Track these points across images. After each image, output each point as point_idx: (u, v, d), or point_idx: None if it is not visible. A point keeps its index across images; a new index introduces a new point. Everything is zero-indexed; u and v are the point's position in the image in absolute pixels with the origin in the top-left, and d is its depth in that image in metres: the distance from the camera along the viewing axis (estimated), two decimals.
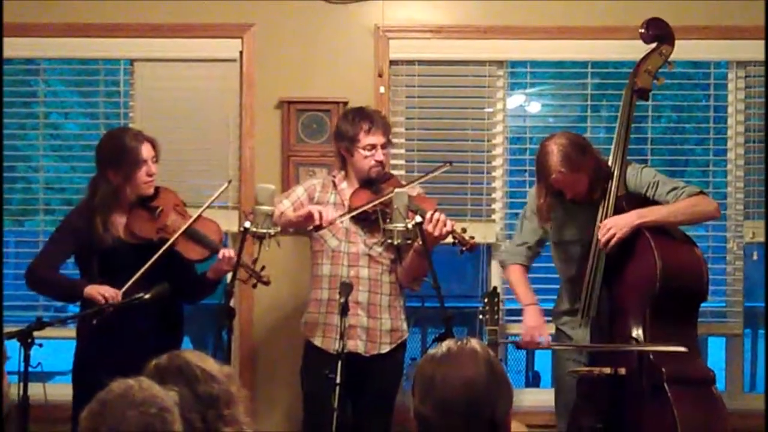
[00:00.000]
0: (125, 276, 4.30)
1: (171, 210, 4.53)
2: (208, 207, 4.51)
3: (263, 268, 4.42)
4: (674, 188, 4.42)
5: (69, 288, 4.43)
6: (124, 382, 2.30)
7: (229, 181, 4.63)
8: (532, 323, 4.66)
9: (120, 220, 4.48)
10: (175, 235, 4.39)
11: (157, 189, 4.55)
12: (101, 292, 4.26)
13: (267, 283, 4.54)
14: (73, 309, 5.19)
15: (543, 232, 4.75)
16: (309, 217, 4.50)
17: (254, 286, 4.54)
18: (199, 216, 4.48)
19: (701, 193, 4.44)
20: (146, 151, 4.45)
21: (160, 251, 4.35)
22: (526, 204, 4.83)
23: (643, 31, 4.57)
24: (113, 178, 4.43)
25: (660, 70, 4.58)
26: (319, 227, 4.52)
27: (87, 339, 4.45)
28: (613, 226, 4.33)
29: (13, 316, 4.98)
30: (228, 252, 4.49)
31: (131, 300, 4.22)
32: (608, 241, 4.32)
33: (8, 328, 4.11)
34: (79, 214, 4.49)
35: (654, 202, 4.44)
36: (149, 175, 4.47)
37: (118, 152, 4.42)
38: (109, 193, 4.43)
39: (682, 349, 4.16)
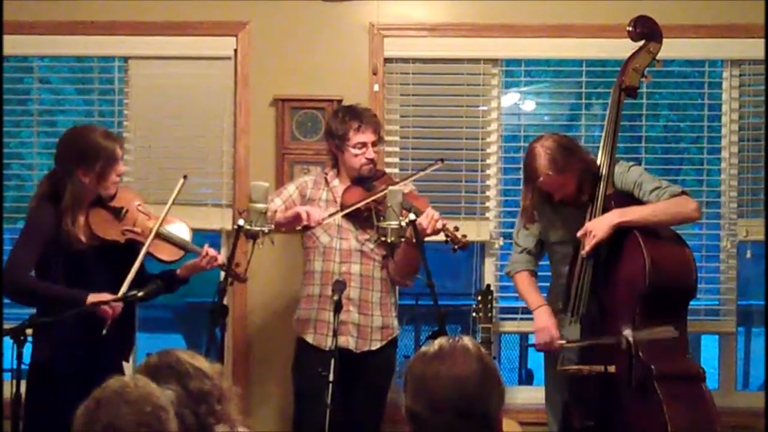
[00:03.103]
0: (90, 279, 4.23)
1: (135, 210, 4.40)
2: (172, 205, 4.37)
3: (237, 265, 4.41)
4: (657, 188, 4.41)
5: (66, 298, 4.18)
6: (120, 379, 2.30)
7: (185, 177, 4.42)
8: (542, 324, 4.62)
9: (80, 221, 4.29)
10: (152, 235, 4.29)
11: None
12: (107, 302, 4.15)
13: (244, 280, 4.53)
14: None
15: (538, 234, 4.74)
16: (296, 217, 4.51)
17: (231, 283, 4.48)
18: (166, 215, 4.36)
19: (683, 193, 4.43)
20: (119, 150, 4.33)
21: (143, 251, 4.27)
22: (520, 211, 4.81)
23: (630, 29, 4.56)
24: (83, 178, 4.26)
25: (648, 68, 4.57)
26: (307, 227, 4.53)
27: (44, 341, 4.22)
28: (593, 229, 4.33)
29: (5, 314, 4.96)
30: (212, 251, 4.44)
31: (125, 298, 4.20)
32: (589, 243, 4.32)
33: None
34: (44, 215, 4.28)
35: (642, 202, 4.44)
36: (118, 175, 4.35)
37: (91, 151, 4.26)
38: (80, 193, 4.26)
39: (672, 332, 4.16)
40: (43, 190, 4.35)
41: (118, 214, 4.37)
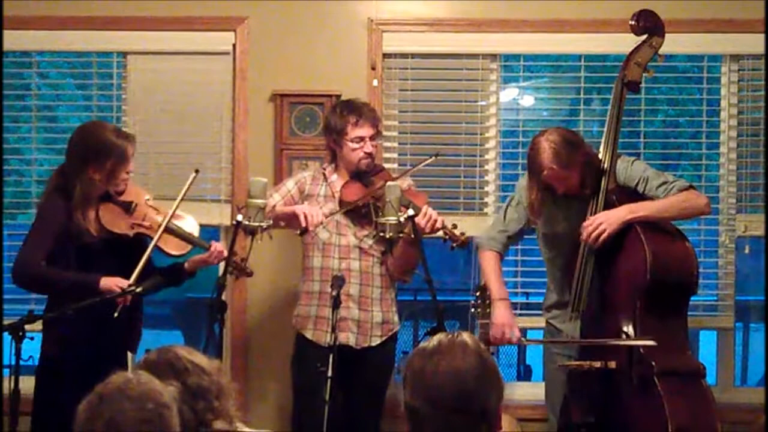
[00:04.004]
0: (100, 272, 4.27)
1: (144, 204, 4.47)
2: (182, 199, 4.44)
3: (243, 260, 4.45)
4: (664, 183, 4.41)
5: (78, 282, 4.27)
6: (123, 375, 2.29)
7: (196, 171, 4.51)
8: (503, 320, 4.60)
9: (91, 216, 4.39)
10: (161, 229, 4.36)
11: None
12: (118, 284, 4.21)
13: (250, 275, 4.56)
14: None
15: (525, 224, 4.73)
16: (295, 217, 4.50)
17: (236, 278, 4.57)
18: (176, 210, 4.44)
19: (691, 187, 4.44)
20: (130, 148, 4.40)
21: (152, 244, 4.33)
22: (514, 193, 4.81)
23: (633, 23, 4.55)
24: (94, 174, 4.34)
25: (650, 63, 4.57)
26: (305, 231, 4.52)
27: (52, 334, 4.36)
28: (604, 222, 4.32)
29: (4, 309, 4.95)
30: (219, 246, 4.51)
31: (124, 292, 4.22)
32: (598, 236, 4.32)
33: None
34: (56, 209, 4.36)
35: (645, 196, 4.44)
36: (127, 172, 4.42)
37: (102, 149, 4.34)
38: (90, 189, 4.35)
39: (651, 342, 4.17)
40: (53, 184, 4.43)
41: (127, 208, 4.43)
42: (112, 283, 4.23)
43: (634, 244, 4.29)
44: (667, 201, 4.38)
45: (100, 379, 2.32)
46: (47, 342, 4.40)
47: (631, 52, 4.55)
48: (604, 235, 4.31)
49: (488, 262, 4.77)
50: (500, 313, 4.61)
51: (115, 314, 4.20)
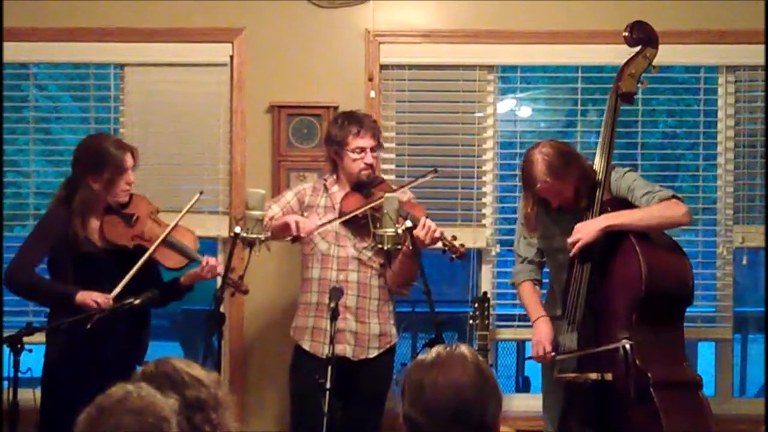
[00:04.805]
0: (100, 281, 4.32)
1: (146, 218, 4.53)
2: (183, 216, 4.50)
3: (240, 277, 4.45)
4: (648, 192, 4.40)
5: (59, 293, 4.36)
6: (123, 387, 2.28)
7: (201, 192, 4.58)
8: (536, 338, 4.61)
9: (93, 226, 4.47)
10: (156, 243, 4.40)
11: (130, 195, 4.55)
12: (94, 298, 4.25)
13: (246, 292, 4.57)
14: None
15: (538, 243, 4.72)
16: (286, 227, 4.50)
17: (232, 294, 4.60)
18: (176, 224, 4.48)
19: (674, 197, 4.41)
20: (129, 160, 4.46)
21: (144, 258, 4.36)
22: (518, 219, 4.80)
23: (627, 34, 4.56)
24: (93, 184, 4.41)
25: (644, 74, 4.57)
26: (296, 239, 4.51)
27: (56, 343, 4.40)
28: (580, 231, 4.32)
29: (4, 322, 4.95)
30: (212, 260, 4.52)
31: (122, 305, 4.23)
32: (572, 246, 4.32)
33: None
34: (56, 218, 4.45)
35: (636, 207, 4.43)
36: (128, 183, 4.48)
37: (101, 159, 4.41)
38: (89, 198, 4.42)
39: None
40: (60, 194, 4.52)
41: (129, 220, 4.49)
42: (88, 297, 4.27)
43: (630, 256, 4.28)
44: (646, 210, 4.36)
45: (103, 391, 2.31)
46: (50, 353, 4.43)
47: (625, 64, 4.55)
48: (579, 244, 4.30)
49: (522, 292, 4.78)
50: (537, 332, 4.61)
51: (88, 326, 4.18)
